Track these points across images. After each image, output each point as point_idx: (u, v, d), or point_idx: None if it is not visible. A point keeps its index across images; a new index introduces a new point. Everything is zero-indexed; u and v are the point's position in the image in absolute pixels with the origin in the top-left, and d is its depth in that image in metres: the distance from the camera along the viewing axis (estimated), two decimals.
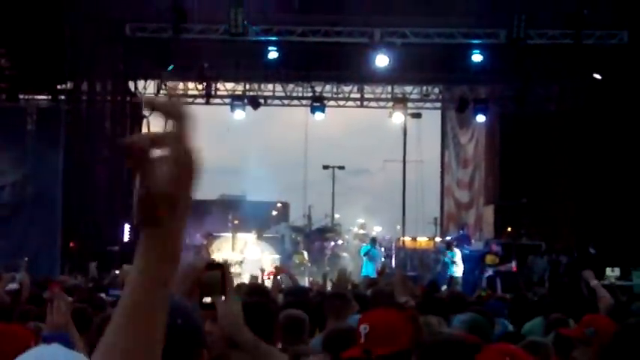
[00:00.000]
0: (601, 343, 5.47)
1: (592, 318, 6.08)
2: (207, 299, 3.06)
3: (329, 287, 12.94)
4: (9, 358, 3.51)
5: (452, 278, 27.23)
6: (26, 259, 17.70)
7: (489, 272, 28.12)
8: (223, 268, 3.11)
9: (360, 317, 4.61)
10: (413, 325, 4.33)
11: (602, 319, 6.15)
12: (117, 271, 18.39)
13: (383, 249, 30.85)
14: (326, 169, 40.78)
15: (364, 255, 29.40)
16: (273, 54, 29.42)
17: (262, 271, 24.28)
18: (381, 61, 28.85)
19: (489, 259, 28.56)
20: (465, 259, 28.34)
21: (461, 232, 34.82)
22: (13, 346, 4.34)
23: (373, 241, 30.81)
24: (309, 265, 34.92)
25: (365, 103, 37.88)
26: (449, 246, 29.28)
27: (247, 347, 3.24)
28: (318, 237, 43.41)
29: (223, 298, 3.12)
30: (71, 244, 26.67)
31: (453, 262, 27.96)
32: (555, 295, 9.43)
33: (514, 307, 10.39)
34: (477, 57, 29.37)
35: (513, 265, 28.65)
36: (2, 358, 4.18)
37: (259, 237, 34.31)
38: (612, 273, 24.99)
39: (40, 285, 11.94)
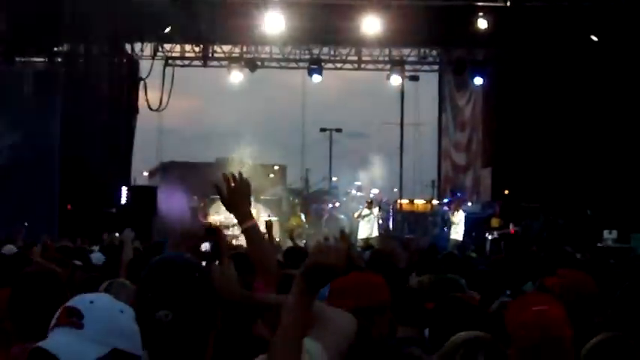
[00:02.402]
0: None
1: (568, 272, 6.05)
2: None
3: None
4: None
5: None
6: (26, 224, 17.67)
7: (494, 235, 28.18)
8: (218, 234, 3.14)
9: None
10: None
11: (578, 274, 6.07)
12: (117, 234, 18.17)
13: (380, 210, 30.73)
14: (323, 132, 40.63)
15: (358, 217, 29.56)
16: (270, 16, 29.26)
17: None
18: (376, 23, 28.81)
19: (495, 221, 28.60)
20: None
21: (459, 194, 34.86)
22: None
23: (369, 204, 30.61)
24: (307, 227, 34.93)
25: (362, 65, 37.74)
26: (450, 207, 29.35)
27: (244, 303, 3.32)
28: (315, 200, 43.34)
29: (217, 262, 3.16)
30: (68, 207, 26.69)
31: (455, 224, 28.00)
32: (552, 259, 9.38)
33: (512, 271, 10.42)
34: (475, 19, 29.22)
35: (511, 227, 28.71)
36: None
37: (257, 199, 34.31)
38: (610, 235, 25.09)
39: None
